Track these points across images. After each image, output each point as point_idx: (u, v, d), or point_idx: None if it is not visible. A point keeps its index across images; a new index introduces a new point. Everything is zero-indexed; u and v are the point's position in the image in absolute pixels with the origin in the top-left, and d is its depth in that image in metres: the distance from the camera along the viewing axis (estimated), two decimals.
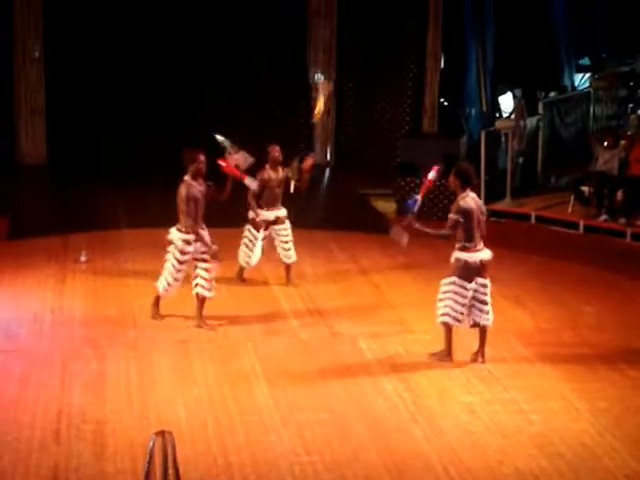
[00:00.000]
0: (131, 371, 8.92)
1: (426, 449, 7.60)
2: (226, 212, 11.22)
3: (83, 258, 12.01)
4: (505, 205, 13.96)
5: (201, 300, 9.95)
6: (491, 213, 12.90)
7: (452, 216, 9.06)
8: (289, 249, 11.20)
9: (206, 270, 9.86)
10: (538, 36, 17.46)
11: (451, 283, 9.11)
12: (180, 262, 9.87)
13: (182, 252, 9.83)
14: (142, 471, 6.16)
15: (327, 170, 17.41)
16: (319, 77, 17.45)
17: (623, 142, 13.58)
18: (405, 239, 9.36)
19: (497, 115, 16.85)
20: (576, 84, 18.02)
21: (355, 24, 17.36)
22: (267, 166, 11.06)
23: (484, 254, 9.14)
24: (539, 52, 17.41)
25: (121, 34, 16.66)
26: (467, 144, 15.61)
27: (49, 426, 7.81)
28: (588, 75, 17.99)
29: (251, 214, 10.99)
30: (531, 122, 14.88)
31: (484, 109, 16.73)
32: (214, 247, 9.85)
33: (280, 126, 16.33)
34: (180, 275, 9.96)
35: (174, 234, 9.88)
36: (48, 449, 7.47)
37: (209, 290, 9.91)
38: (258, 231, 10.97)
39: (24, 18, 16.61)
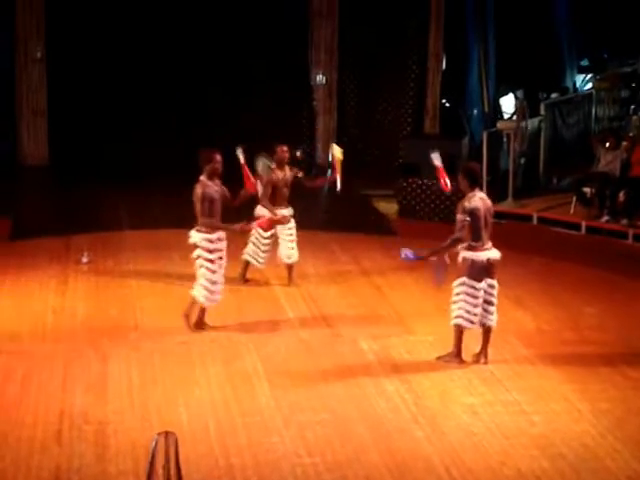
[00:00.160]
0: (133, 372, 8.92)
1: (428, 450, 7.60)
2: (228, 211, 11.23)
3: (85, 259, 12.02)
4: (507, 206, 13.95)
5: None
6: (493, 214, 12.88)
7: (459, 217, 9.04)
8: (292, 248, 11.22)
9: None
10: (540, 37, 17.46)
11: (461, 284, 9.09)
12: (213, 262, 9.63)
13: (210, 251, 9.63)
14: (144, 472, 6.16)
15: (329, 171, 17.40)
16: (320, 79, 17.46)
17: (625, 143, 13.58)
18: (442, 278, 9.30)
19: (499, 116, 16.85)
20: (577, 85, 18.01)
21: (357, 25, 17.36)
22: (274, 166, 11.09)
23: (491, 253, 9.13)
24: (541, 53, 17.41)
25: (123, 35, 16.67)
26: (469, 145, 15.61)
27: (51, 427, 7.82)
28: (589, 76, 17.98)
29: (257, 212, 10.98)
30: (533, 123, 14.88)
31: (486, 110, 16.74)
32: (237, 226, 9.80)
33: (282, 127, 16.33)
34: (218, 277, 9.72)
35: (195, 236, 9.67)
36: (50, 450, 7.47)
37: (207, 299, 9.76)
38: (265, 231, 11.00)
39: (26, 19, 16.63)
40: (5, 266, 11.86)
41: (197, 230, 9.67)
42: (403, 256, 9.24)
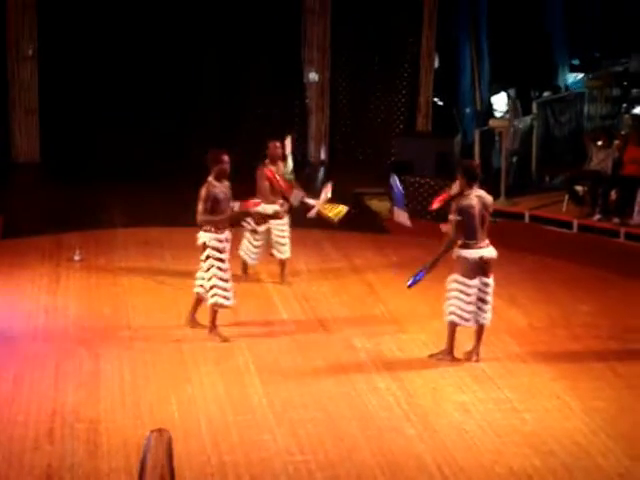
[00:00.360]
0: (125, 370, 8.91)
1: (419, 448, 7.61)
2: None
3: (77, 257, 12.00)
4: (499, 204, 13.95)
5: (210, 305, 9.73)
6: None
7: (451, 217, 9.03)
8: (284, 244, 11.24)
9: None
10: (532, 36, 17.47)
11: (454, 281, 9.09)
12: (224, 261, 9.51)
13: (220, 250, 9.52)
14: (136, 470, 6.15)
15: (321, 169, 17.41)
16: (313, 77, 17.46)
17: (617, 142, 13.60)
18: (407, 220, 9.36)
19: (491, 114, 16.85)
20: (568, 84, 18.03)
21: (349, 22, 17.36)
22: (267, 161, 11.12)
23: (486, 252, 9.11)
24: (533, 52, 17.43)
25: (115, 33, 16.63)
26: (461, 143, 15.62)
27: (43, 425, 7.81)
28: (580, 76, 17.99)
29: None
30: (525, 122, 14.90)
31: (478, 108, 16.75)
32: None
33: (274, 124, 16.31)
34: (228, 275, 9.58)
35: (204, 236, 9.52)
36: (42, 448, 7.46)
37: (226, 299, 9.64)
38: (259, 225, 11.02)
39: (18, 16, 16.58)
40: None
41: (205, 230, 9.55)
42: (411, 283, 9.21)
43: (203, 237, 9.53)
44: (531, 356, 9.43)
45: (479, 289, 9.11)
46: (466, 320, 9.14)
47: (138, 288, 11.13)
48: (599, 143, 13.52)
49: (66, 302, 10.70)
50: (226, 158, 9.59)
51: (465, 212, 8.99)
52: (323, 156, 17.79)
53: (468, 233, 9.04)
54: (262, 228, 11.13)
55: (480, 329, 9.26)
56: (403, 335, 9.93)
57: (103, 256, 12.27)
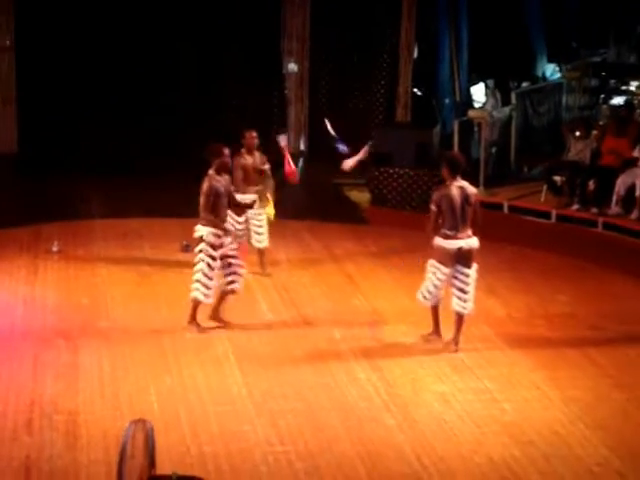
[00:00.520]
0: (104, 361, 8.89)
1: (399, 438, 7.62)
2: None
3: (55, 248, 11.95)
4: (478, 194, 13.96)
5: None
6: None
7: (430, 207, 9.13)
8: (262, 233, 11.23)
9: (241, 267, 9.69)
10: (511, 26, 17.47)
11: (430, 265, 9.26)
12: (215, 259, 9.47)
13: (214, 246, 9.49)
14: (115, 461, 6.14)
15: (301, 160, 17.38)
16: (292, 67, 17.42)
17: (595, 132, 13.63)
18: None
19: (470, 105, 16.85)
20: (547, 75, 18.06)
21: (329, 13, 17.32)
22: (243, 151, 11.10)
23: (464, 242, 9.14)
24: (512, 42, 17.43)
25: (94, 23, 16.52)
26: (440, 134, 15.62)
27: (21, 417, 7.77)
28: (556, 66, 18.01)
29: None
30: (504, 112, 14.91)
31: (457, 99, 16.75)
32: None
33: (253, 115, 16.26)
34: (215, 274, 9.52)
35: (201, 229, 9.49)
36: (20, 439, 7.43)
37: (206, 297, 9.58)
38: (239, 216, 11.01)
39: None
40: None
41: (204, 224, 9.53)
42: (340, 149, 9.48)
43: (201, 230, 9.52)
44: (509, 346, 9.46)
45: (455, 277, 9.16)
46: (425, 299, 9.29)
47: (117, 279, 11.09)
48: (577, 134, 13.54)
49: (44, 293, 10.66)
50: (227, 152, 9.63)
51: (440, 202, 9.04)
52: (302, 147, 17.76)
53: (447, 223, 9.07)
54: (242, 218, 11.10)
55: (459, 319, 9.29)
56: (383, 325, 9.94)
57: (82, 247, 12.23)
